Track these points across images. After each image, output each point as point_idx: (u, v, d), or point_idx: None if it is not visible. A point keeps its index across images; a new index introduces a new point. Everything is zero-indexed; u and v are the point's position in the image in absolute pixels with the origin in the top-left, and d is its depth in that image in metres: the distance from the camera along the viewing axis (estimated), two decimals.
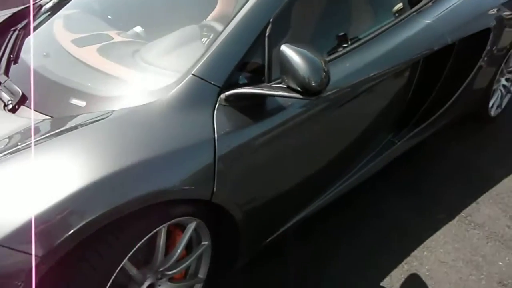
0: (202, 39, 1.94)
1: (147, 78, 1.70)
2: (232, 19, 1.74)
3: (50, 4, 2.51)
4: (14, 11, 2.54)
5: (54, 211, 1.19)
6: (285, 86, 1.55)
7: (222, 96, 1.57)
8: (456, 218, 2.49)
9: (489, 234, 2.41)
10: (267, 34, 1.68)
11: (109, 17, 2.28)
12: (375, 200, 2.55)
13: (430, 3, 2.61)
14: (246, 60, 1.69)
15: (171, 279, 1.66)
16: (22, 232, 1.16)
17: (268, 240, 1.88)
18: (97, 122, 1.44)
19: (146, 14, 2.37)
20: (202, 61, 1.61)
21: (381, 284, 2.08)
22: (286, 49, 1.51)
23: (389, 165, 2.51)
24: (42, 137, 1.42)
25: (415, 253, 2.25)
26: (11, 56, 2.01)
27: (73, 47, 2.01)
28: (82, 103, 1.61)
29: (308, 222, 2.15)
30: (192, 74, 1.57)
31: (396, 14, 2.39)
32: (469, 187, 2.72)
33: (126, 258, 1.35)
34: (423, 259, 2.22)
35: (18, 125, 1.55)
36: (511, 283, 2.13)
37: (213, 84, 1.58)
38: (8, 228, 1.16)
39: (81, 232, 1.21)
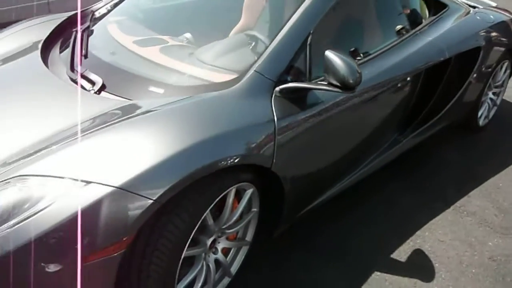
0: (248, 46, 2.33)
1: (211, 74, 2.07)
2: (279, 31, 2.13)
3: (103, 10, 2.84)
4: (68, 15, 2.87)
5: (161, 166, 1.55)
6: (326, 82, 1.94)
7: (277, 89, 1.96)
8: (451, 207, 2.89)
9: (480, 221, 2.81)
10: (308, 43, 2.09)
11: (155, 24, 2.64)
12: (382, 191, 2.94)
13: (426, 26, 3.04)
14: (292, 63, 2.07)
15: (227, 238, 2.02)
16: (140, 181, 1.51)
17: (303, 211, 2.26)
18: (183, 104, 1.81)
19: (185, 23, 2.75)
20: (261, 61, 1.99)
21: (391, 256, 2.46)
22: (330, 54, 1.92)
23: (394, 164, 2.91)
24: (136, 113, 1.78)
25: (418, 233, 2.64)
26: (82, 52, 2.34)
27: (136, 47, 2.37)
28: (160, 91, 1.97)
29: (329, 205, 2.53)
30: (255, 71, 1.96)
31: (404, 32, 2.82)
32: (461, 183, 3.14)
33: (209, 209, 1.71)
34: (425, 238, 2.61)
35: (109, 105, 1.90)
36: (500, 259, 2.53)
37: (270, 79, 1.97)
38: (130, 176, 1.51)
39: (181, 183, 1.56)
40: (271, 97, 1.94)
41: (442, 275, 2.38)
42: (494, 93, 3.80)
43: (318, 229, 2.54)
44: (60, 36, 2.69)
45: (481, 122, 3.77)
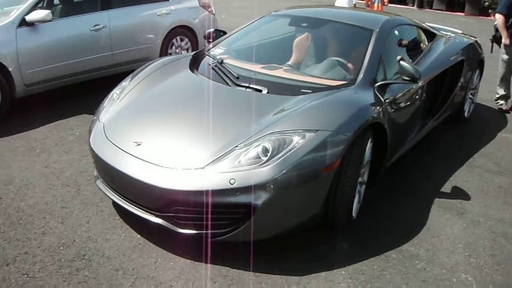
0: (337, 66, 3.75)
1: (327, 81, 3.47)
2: (365, 56, 3.59)
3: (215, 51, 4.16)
4: (188, 55, 4.16)
5: (347, 122, 2.94)
6: (400, 79, 3.39)
7: (376, 85, 3.39)
8: (465, 164, 4.34)
9: (485, 169, 4.27)
10: (382, 59, 3.55)
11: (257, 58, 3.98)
12: (421, 161, 4.37)
13: (430, 47, 4.60)
14: (377, 71, 3.53)
15: None
16: (340, 127, 2.87)
17: (393, 159, 3.65)
18: (338, 94, 3.22)
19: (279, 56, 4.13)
20: (363, 72, 3.45)
21: (441, 190, 3.85)
22: (402, 62, 3.37)
23: (424, 142, 4.38)
24: (314, 99, 3.14)
25: (451, 178, 4.05)
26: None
27: (265, 70, 3.70)
28: (309, 91, 3.33)
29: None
30: (362, 77, 3.40)
31: (422, 49, 4.37)
32: (467, 150, 4.63)
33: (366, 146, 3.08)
34: (457, 180, 4.02)
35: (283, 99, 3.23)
36: (502, 188, 3.97)
37: (371, 80, 3.40)
38: (337, 125, 2.87)
39: (357, 130, 2.91)
40: (374, 89, 3.37)
41: (472, 196, 3.78)
42: (471, 94, 5.38)
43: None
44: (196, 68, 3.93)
45: (466, 114, 5.33)
